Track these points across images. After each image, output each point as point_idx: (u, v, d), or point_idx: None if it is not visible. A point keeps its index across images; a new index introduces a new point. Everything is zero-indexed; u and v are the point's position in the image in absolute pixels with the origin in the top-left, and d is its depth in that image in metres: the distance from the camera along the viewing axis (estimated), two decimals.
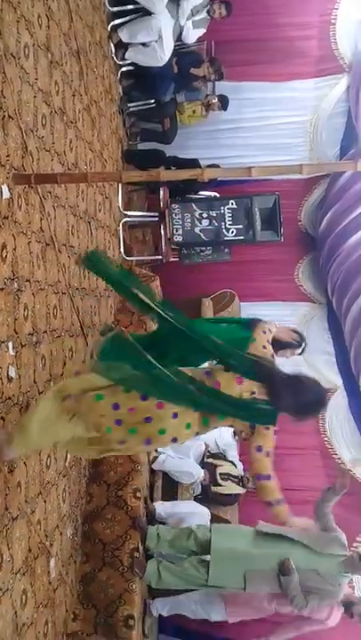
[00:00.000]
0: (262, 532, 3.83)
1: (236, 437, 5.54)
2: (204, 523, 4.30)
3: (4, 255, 2.59)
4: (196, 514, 4.46)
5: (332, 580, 3.60)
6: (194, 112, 6.25)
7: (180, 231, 5.55)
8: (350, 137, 6.39)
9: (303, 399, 2.56)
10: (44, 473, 2.99)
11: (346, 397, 6.40)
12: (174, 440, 2.54)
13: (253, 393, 2.54)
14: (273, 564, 3.64)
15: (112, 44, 5.31)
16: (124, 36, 5.30)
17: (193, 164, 5.62)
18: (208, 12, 5.73)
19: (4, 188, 2.63)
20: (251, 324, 3.01)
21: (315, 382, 2.66)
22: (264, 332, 2.91)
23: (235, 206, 5.58)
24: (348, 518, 3.91)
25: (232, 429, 5.54)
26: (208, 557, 3.80)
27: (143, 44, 5.37)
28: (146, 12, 5.24)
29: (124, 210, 5.46)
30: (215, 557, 3.73)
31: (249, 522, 4.27)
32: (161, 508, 4.42)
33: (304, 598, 3.58)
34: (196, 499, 4.79)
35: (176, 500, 4.69)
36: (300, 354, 3.50)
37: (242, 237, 5.63)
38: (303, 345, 3.44)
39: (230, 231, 5.61)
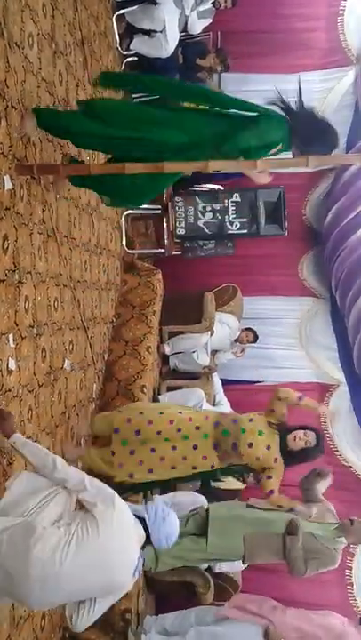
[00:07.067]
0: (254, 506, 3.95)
1: None
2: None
3: (5, 246, 2.56)
4: (195, 503, 4.45)
5: (328, 543, 3.68)
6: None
7: (183, 224, 5.52)
8: (357, 130, 6.33)
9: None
10: None
11: (348, 392, 6.38)
12: None
13: (269, 447, 3.38)
14: (269, 527, 3.73)
15: (117, 34, 5.26)
16: (128, 17, 5.25)
17: None
18: (213, 3, 5.66)
19: (7, 179, 2.60)
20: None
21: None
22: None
23: (239, 199, 5.54)
24: (351, 514, 3.90)
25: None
26: None
27: (148, 35, 5.31)
28: (151, 1, 5.18)
29: None
30: (213, 522, 3.79)
31: None
32: (160, 499, 4.40)
33: (304, 563, 3.65)
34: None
35: None
36: None
37: (245, 231, 5.59)
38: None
39: (234, 224, 5.57)
